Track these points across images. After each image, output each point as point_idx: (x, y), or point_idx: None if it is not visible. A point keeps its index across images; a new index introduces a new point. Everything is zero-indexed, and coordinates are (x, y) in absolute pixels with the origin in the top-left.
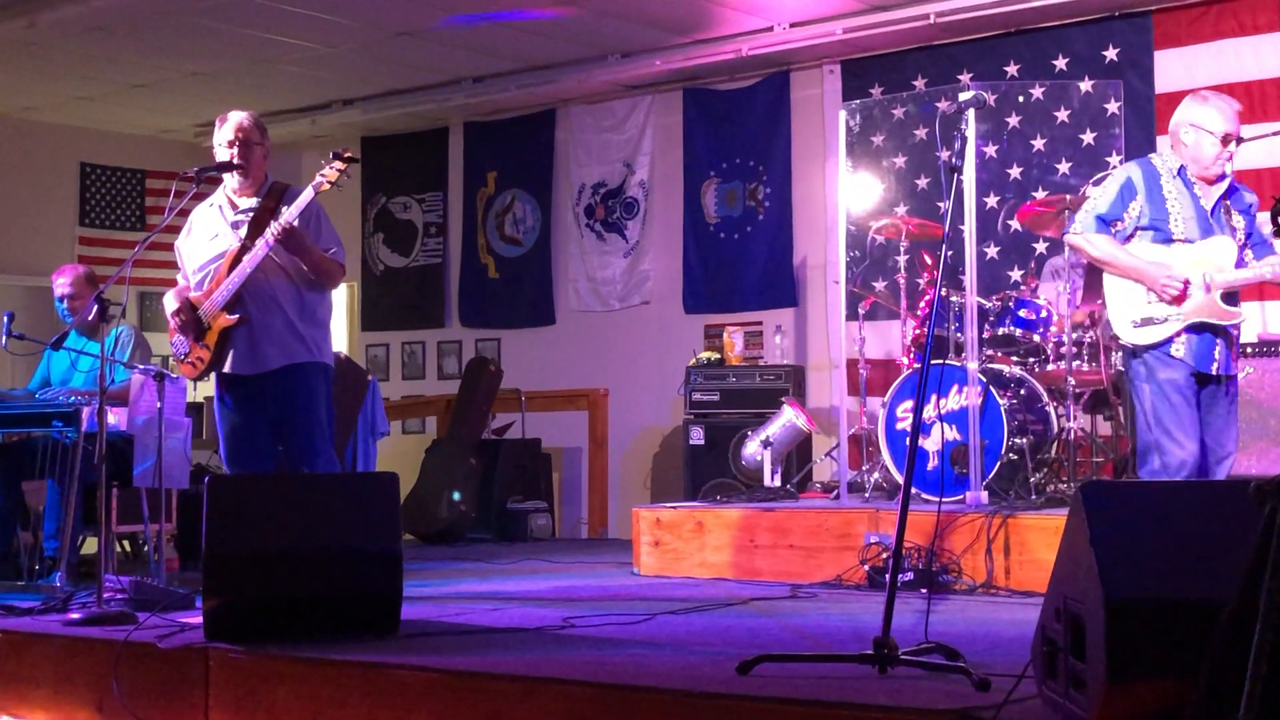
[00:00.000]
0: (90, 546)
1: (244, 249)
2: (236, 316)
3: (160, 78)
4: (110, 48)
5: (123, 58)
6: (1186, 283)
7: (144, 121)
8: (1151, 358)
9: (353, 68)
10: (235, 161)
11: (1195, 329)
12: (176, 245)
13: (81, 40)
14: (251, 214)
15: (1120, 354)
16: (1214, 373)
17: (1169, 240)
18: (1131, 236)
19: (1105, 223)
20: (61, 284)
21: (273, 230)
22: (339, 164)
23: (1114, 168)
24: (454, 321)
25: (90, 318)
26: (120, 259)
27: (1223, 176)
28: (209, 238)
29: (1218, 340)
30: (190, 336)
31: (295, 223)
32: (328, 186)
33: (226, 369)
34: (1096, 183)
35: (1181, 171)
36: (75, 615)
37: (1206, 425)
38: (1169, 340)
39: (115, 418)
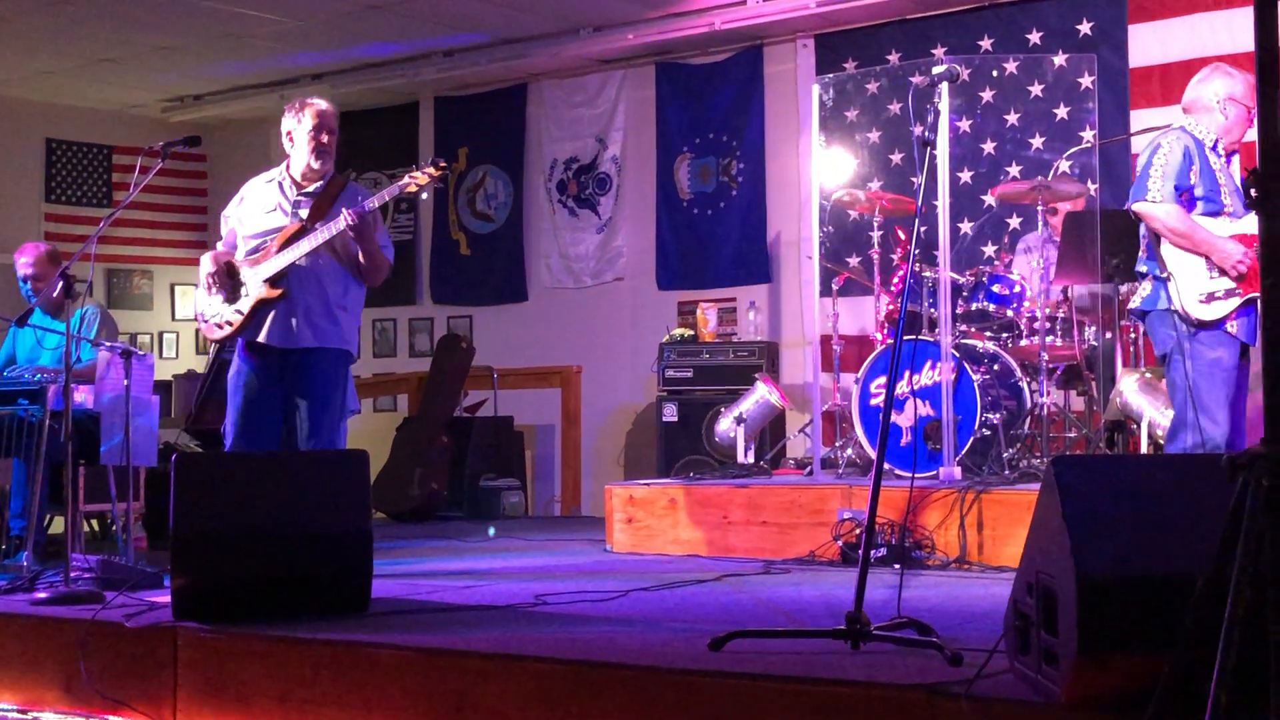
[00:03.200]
0: (57, 526)
1: (303, 229)
2: (279, 291)
3: (127, 52)
4: (75, 21)
5: (88, 31)
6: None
7: (111, 96)
8: (1208, 335)
9: (322, 42)
10: (320, 149)
11: (1248, 304)
12: (224, 213)
13: (46, 13)
14: (314, 198)
15: (1148, 327)
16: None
17: (1219, 212)
18: (1190, 207)
19: (1179, 191)
20: (24, 264)
21: (349, 216)
22: (432, 170)
23: (1087, 141)
24: (425, 298)
25: (55, 294)
26: (86, 235)
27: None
28: (265, 210)
29: (1255, 313)
30: (224, 298)
31: (367, 215)
32: (414, 189)
33: (260, 338)
34: (1071, 158)
35: (1216, 145)
36: (42, 594)
37: (1241, 393)
38: (1227, 318)
39: (82, 396)
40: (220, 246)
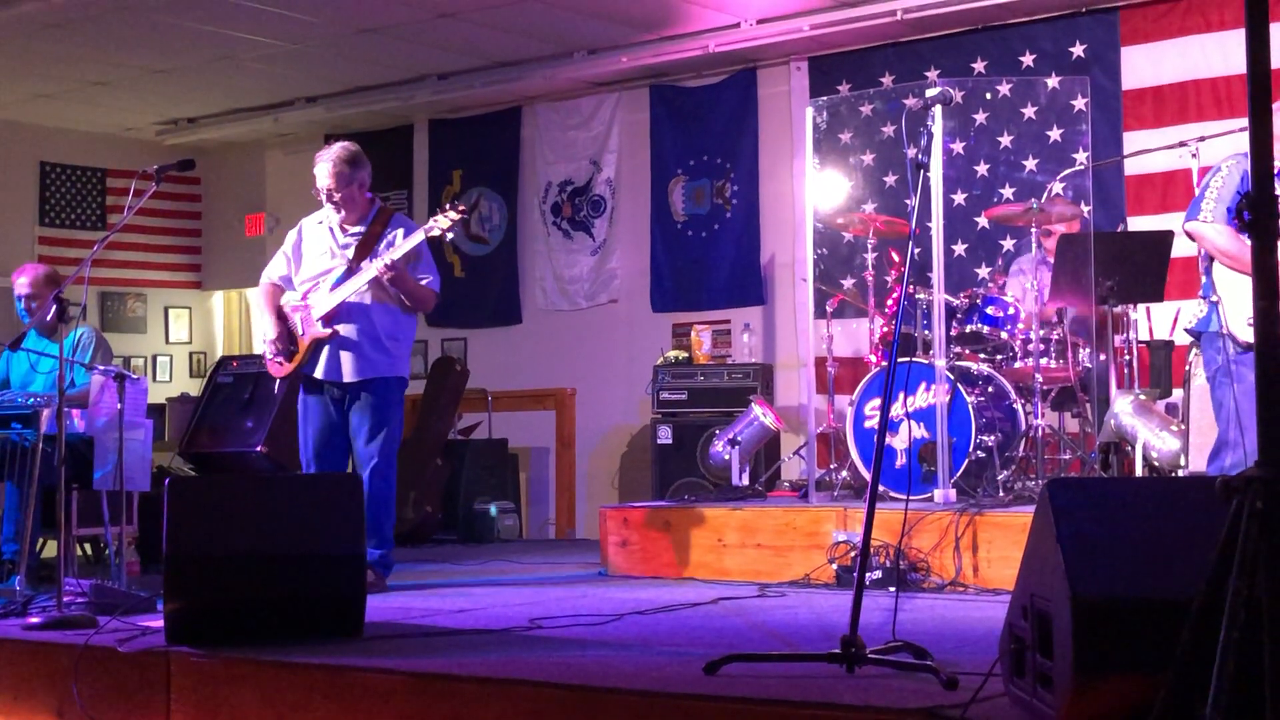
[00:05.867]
0: (50, 550)
1: (350, 271)
2: (329, 331)
3: (121, 75)
4: (70, 45)
5: (83, 55)
6: None
7: (105, 120)
8: (1251, 358)
9: (316, 65)
10: (334, 204)
11: None
12: (284, 250)
13: (41, 37)
14: (360, 238)
15: (1200, 347)
16: None
17: None
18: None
19: (1231, 214)
20: (21, 284)
21: (378, 269)
22: (454, 214)
23: (1080, 163)
24: (420, 320)
25: (49, 318)
26: (80, 258)
27: None
28: (318, 253)
29: None
30: (280, 341)
31: (397, 263)
32: (438, 233)
33: (317, 374)
34: (1065, 179)
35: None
36: (35, 619)
37: None
38: None
39: (75, 419)
40: (273, 272)
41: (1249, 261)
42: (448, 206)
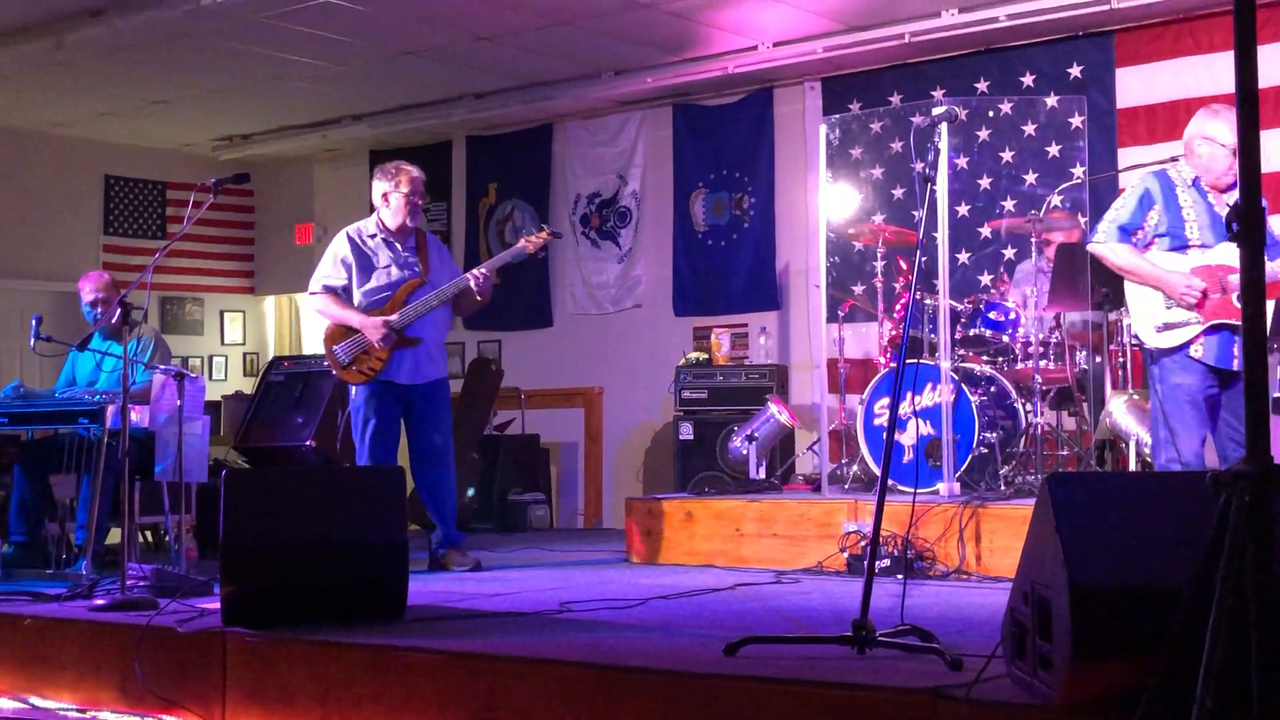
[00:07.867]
0: (114, 537)
1: (421, 283)
2: (419, 339)
3: (180, 95)
4: (133, 66)
5: (145, 76)
6: (1205, 289)
7: (165, 136)
8: (1170, 361)
9: (361, 85)
10: (416, 211)
11: (1214, 329)
12: (338, 256)
13: (105, 59)
14: (416, 252)
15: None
16: (1235, 369)
17: (1185, 247)
18: (1150, 244)
19: (1126, 232)
20: (90, 289)
21: (477, 279)
22: (547, 234)
23: (1077, 178)
24: (457, 324)
25: (114, 320)
26: (142, 266)
27: (1234, 185)
28: (381, 265)
29: (1235, 338)
30: (358, 349)
31: (490, 274)
32: (531, 250)
33: (396, 378)
34: (1063, 193)
35: (1196, 181)
36: (100, 601)
37: (1234, 415)
38: (1188, 344)
39: (138, 415)
40: (329, 280)
41: (1145, 275)
42: (544, 228)
